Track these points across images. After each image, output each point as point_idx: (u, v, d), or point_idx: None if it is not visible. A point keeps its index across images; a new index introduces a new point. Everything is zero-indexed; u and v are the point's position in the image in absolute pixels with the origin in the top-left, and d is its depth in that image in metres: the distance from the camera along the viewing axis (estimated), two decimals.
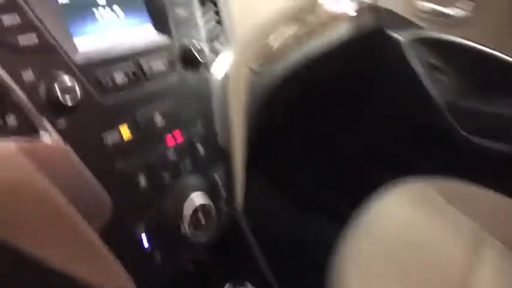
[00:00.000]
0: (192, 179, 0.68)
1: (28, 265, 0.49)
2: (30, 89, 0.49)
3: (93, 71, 0.55)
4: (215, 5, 0.79)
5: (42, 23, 0.50)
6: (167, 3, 0.66)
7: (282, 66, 1.06)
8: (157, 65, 0.62)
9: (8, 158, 0.47)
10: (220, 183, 0.73)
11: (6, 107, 0.47)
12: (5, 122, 0.47)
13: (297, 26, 1.09)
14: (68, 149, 0.51)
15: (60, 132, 0.51)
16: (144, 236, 0.61)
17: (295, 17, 1.08)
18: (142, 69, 0.60)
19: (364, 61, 1.38)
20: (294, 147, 1.60)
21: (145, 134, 0.60)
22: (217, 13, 0.79)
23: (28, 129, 0.49)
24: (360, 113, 1.50)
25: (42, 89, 0.49)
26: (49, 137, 0.50)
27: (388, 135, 1.46)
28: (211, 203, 0.68)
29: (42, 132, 0.50)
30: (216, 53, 0.76)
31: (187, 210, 0.64)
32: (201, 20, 0.72)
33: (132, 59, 0.59)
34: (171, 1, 0.67)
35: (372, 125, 1.49)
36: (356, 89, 1.44)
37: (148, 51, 0.62)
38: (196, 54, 0.66)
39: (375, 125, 1.49)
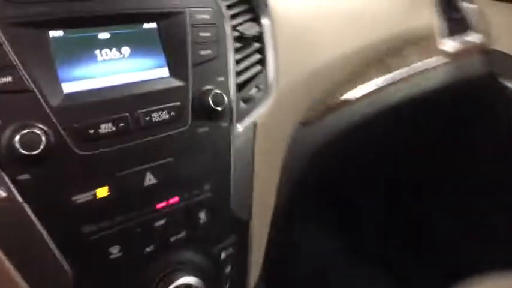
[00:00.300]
0: (185, 256, 0.56)
1: None
2: None
3: (73, 117, 0.47)
4: (258, 40, 0.68)
5: (20, 62, 0.44)
6: (190, 41, 0.57)
7: (351, 117, 0.88)
8: (160, 114, 0.53)
9: None
10: (227, 266, 0.60)
11: None
12: None
13: (375, 70, 0.90)
14: (24, 206, 0.44)
15: (19, 185, 0.44)
16: None
17: (375, 58, 0.90)
18: (136, 119, 0.51)
19: (468, 114, 1.11)
20: (369, 199, 1.38)
21: (126, 194, 0.50)
22: (260, 51, 0.68)
23: None
24: (456, 175, 1.22)
25: (5, 135, 0.43)
26: (5, 191, 0.44)
27: (491, 205, 1.16)
28: None
29: (1, 186, 0.44)
30: (247, 100, 0.64)
31: None
32: (232, 60, 0.61)
33: (127, 106, 0.50)
34: (195, 38, 0.57)
35: (472, 191, 1.20)
36: (455, 147, 1.17)
37: (152, 98, 0.53)
38: (212, 102, 0.55)
39: (476, 192, 1.19)
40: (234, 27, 0.64)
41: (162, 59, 0.55)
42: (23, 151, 0.42)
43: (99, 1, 0.50)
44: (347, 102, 0.85)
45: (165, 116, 0.53)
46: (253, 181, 0.63)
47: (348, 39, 0.85)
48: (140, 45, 0.54)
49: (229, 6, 0.64)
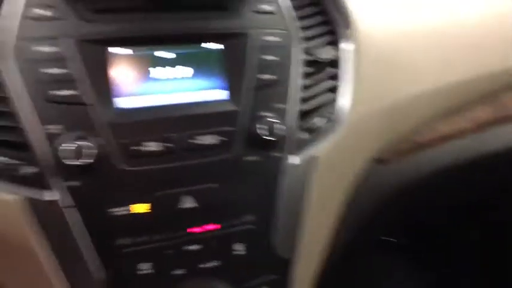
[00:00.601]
0: (216, 286, 0.54)
1: None
2: (51, 142, 0.47)
3: (122, 132, 0.49)
4: (334, 65, 0.62)
5: (80, 76, 0.47)
6: (252, 63, 0.54)
7: (441, 161, 0.75)
8: (208, 138, 0.51)
9: (10, 211, 0.46)
10: None
11: (26, 158, 0.47)
12: (21, 171, 0.47)
13: (481, 107, 0.75)
14: (71, 209, 0.47)
15: (69, 190, 0.47)
16: None
17: (485, 92, 0.76)
18: (183, 140, 0.50)
19: None
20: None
21: (163, 214, 0.50)
22: (334, 77, 0.62)
23: (40, 182, 0.47)
24: None
25: (62, 144, 0.46)
26: (55, 195, 0.47)
27: None
28: None
29: (51, 189, 0.48)
30: (311, 130, 0.58)
31: None
32: (299, 85, 0.57)
33: (176, 127, 0.50)
34: (259, 61, 0.54)
35: None
36: None
37: (202, 120, 0.52)
38: (265, 130, 0.52)
39: None
40: (307, 50, 0.60)
41: (221, 81, 0.54)
42: (69, 161, 0.45)
43: (161, 21, 0.51)
44: (438, 142, 0.73)
45: (212, 140, 0.52)
46: (301, 219, 0.57)
47: (454, 68, 0.72)
48: (200, 66, 0.53)
49: (305, 28, 0.60)
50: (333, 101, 0.61)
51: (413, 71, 0.68)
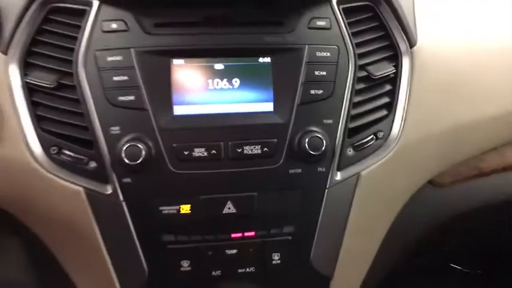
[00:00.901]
0: None
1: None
2: (113, 142, 0.52)
3: (175, 137, 0.52)
4: (391, 82, 0.60)
5: (143, 84, 0.52)
6: (301, 78, 0.55)
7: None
8: (252, 148, 0.53)
9: (74, 199, 0.52)
10: None
11: (91, 155, 0.53)
12: (86, 166, 0.53)
13: None
14: (123, 203, 0.52)
15: (122, 186, 0.52)
16: None
17: None
18: (228, 148, 0.53)
19: None
20: None
21: (205, 217, 0.53)
22: (387, 94, 0.60)
23: (101, 176, 0.53)
24: None
25: (119, 143, 0.52)
26: (112, 189, 0.53)
27: None
28: None
29: (109, 184, 0.53)
30: (359, 147, 0.58)
31: None
32: (349, 102, 0.57)
33: (223, 135, 0.53)
34: (308, 76, 0.55)
35: None
36: None
37: (249, 131, 0.54)
38: (309, 145, 0.53)
39: None
40: (361, 67, 0.59)
41: (269, 94, 0.56)
42: (127, 159, 0.50)
43: (216, 35, 0.54)
44: (504, 170, 0.67)
45: (257, 150, 0.53)
46: (342, 237, 0.57)
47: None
48: (251, 78, 0.55)
49: (360, 44, 0.59)
50: (384, 119, 0.59)
51: (477, 94, 0.64)
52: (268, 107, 0.55)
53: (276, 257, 0.55)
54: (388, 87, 0.60)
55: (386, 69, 0.60)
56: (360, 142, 0.58)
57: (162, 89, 0.54)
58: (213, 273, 0.55)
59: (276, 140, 0.54)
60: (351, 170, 0.57)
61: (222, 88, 0.55)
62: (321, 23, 0.57)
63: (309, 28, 0.56)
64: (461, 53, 0.64)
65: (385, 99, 0.60)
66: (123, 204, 0.52)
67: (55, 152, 0.53)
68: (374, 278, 0.63)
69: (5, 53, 0.54)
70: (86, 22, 0.54)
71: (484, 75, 0.64)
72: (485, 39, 0.67)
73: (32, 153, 0.52)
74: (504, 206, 0.69)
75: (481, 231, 0.86)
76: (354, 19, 0.59)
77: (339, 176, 0.56)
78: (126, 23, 0.54)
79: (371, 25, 0.61)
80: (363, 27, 0.60)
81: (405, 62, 0.61)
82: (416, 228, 0.67)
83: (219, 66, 0.55)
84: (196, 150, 0.53)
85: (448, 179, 0.66)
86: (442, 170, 0.64)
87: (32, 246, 0.57)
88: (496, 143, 0.67)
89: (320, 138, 0.53)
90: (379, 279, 0.67)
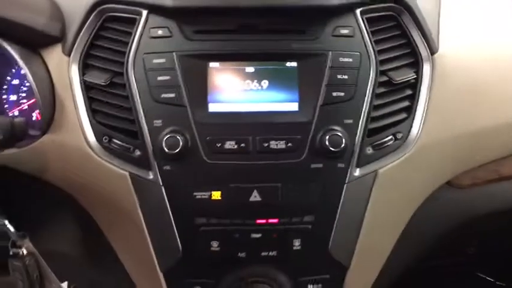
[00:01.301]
0: (272, 273, 0.61)
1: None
2: (155, 133, 0.59)
3: (209, 131, 0.59)
4: (412, 87, 0.64)
5: (183, 83, 0.59)
6: (324, 81, 0.60)
7: None
8: (278, 143, 0.59)
9: (121, 182, 0.60)
10: None
11: (136, 144, 0.61)
12: (132, 154, 0.61)
13: None
14: (162, 188, 0.59)
15: (162, 172, 0.59)
16: None
17: None
18: (256, 143, 0.59)
19: None
20: None
21: (234, 203, 0.59)
22: (408, 99, 0.64)
23: (145, 163, 0.60)
24: None
25: (161, 135, 0.59)
26: (153, 175, 0.60)
27: None
28: None
29: (151, 170, 0.60)
30: (378, 146, 0.62)
31: None
32: (369, 104, 0.61)
33: (251, 131, 0.59)
34: (331, 80, 0.60)
35: None
36: None
37: (275, 127, 0.60)
38: (329, 142, 0.58)
39: None
40: (383, 72, 0.63)
41: (294, 95, 0.61)
42: (166, 149, 0.57)
43: (249, 41, 0.61)
44: None
45: (282, 145, 0.59)
46: (360, 228, 0.61)
47: None
48: (278, 80, 0.61)
49: (381, 51, 0.63)
50: (403, 122, 0.63)
51: (496, 101, 0.66)
52: (294, 106, 0.61)
53: (296, 243, 0.61)
54: (408, 91, 0.64)
55: (407, 75, 0.63)
56: (379, 142, 0.62)
57: (199, 89, 0.60)
58: (239, 254, 0.61)
59: (299, 136, 0.59)
60: (370, 168, 0.61)
61: (252, 89, 0.61)
62: (344, 31, 0.62)
63: (333, 36, 0.61)
64: (481, 61, 0.67)
65: (406, 103, 0.64)
66: (162, 188, 0.59)
67: (106, 140, 0.61)
68: (390, 273, 0.67)
69: (68, 55, 0.63)
70: (136, 29, 0.62)
71: (504, 84, 0.67)
72: (506, 48, 0.69)
73: (87, 141, 0.61)
74: None
75: (500, 235, 0.86)
76: (377, 28, 0.64)
77: (357, 172, 0.61)
78: (170, 30, 0.61)
79: (393, 33, 0.65)
80: (385, 35, 0.64)
81: (426, 69, 0.64)
82: (434, 228, 0.69)
83: (250, 69, 0.61)
84: (227, 143, 0.59)
85: (467, 181, 0.68)
86: (459, 172, 0.67)
87: (83, 222, 0.65)
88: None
89: (340, 136, 0.58)
90: (395, 276, 0.70)
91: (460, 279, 1.16)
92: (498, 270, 1.13)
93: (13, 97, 0.75)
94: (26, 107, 0.75)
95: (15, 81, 0.75)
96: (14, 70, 0.75)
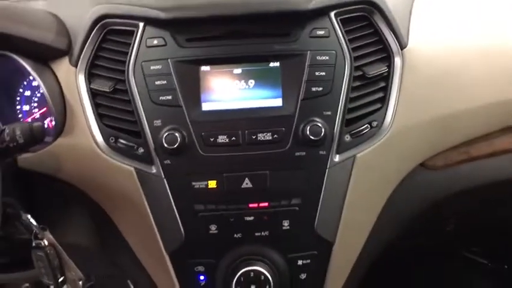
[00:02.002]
0: (265, 252, 0.68)
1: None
2: (156, 132, 0.67)
3: (203, 127, 0.66)
4: (384, 80, 0.71)
5: (178, 86, 0.66)
6: (304, 78, 0.67)
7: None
8: (264, 135, 0.66)
9: (128, 177, 0.68)
10: (302, 272, 0.69)
11: (140, 142, 0.68)
12: (136, 151, 0.68)
13: None
14: (164, 180, 0.67)
15: (163, 166, 0.67)
16: (201, 277, 0.69)
17: None
18: (245, 136, 0.66)
19: None
20: None
21: (228, 190, 0.67)
22: (380, 91, 0.71)
23: (147, 159, 0.68)
24: None
25: (161, 132, 0.66)
26: (155, 169, 0.67)
27: None
28: (272, 285, 0.66)
29: (154, 165, 0.68)
30: (355, 134, 0.69)
31: (238, 280, 0.66)
32: (345, 97, 0.68)
33: (241, 125, 0.66)
34: (310, 76, 0.67)
35: None
36: None
37: (262, 121, 0.67)
38: (310, 132, 0.65)
39: None
40: (358, 67, 0.70)
41: (278, 92, 0.68)
42: (166, 145, 0.64)
43: (235, 46, 0.68)
44: (492, 155, 0.75)
45: (268, 137, 0.66)
46: (342, 208, 0.68)
47: (502, 87, 0.74)
48: (263, 79, 0.69)
49: (355, 48, 0.70)
50: (378, 111, 0.70)
51: (463, 88, 0.73)
52: (278, 102, 0.68)
53: (285, 223, 0.68)
54: (382, 84, 0.71)
55: (379, 69, 0.70)
56: (356, 130, 0.69)
57: (193, 90, 0.68)
58: (235, 235, 0.68)
59: (283, 128, 0.66)
60: (348, 153, 0.68)
61: (240, 88, 0.69)
62: (320, 32, 0.69)
63: (311, 37, 0.68)
64: (447, 54, 0.74)
65: (379, 94, 0.71)
66: (164, 180, 0.67)
67: (113, 141, 0.69)
68: (372, 248, 0.74)
69: (75, 66, 0.70)
70: (134, 40, 0.69)
71: (468, 72, 0.73)
72: (470, 40, 0.76)
73: (95, 142, 0.68)
74: (494, 187, 0.77)
75: (473, 212, 0.93)
76: (350, 27, 0.70)
77: (337, 158, 0.68)
78: (164, 39, 0.68)
79: (366, 32, 0.71)
80: (358, 34, 0.71)
81: (397, 62, 0.71)
82: (411, 206, 0.76)
83: (237, 70, 0.69)
84: (219, 137, 0.66)
85: (440, 162, 0.75)
86: (432, 154, 0.74)
87: (95, 214, 0.73)
88: (483, 131, 0.76)
89: (320, 126, 0.65)
90: (377, 251, 0.76)
91: (445, 259, 1.23)
92: (480, 248, 1.20)
93: (26, 107, 0.83)
94: (38, 115, 0.82)
95: (27, 93, 0.83)
96: (25, 82, 0.83)
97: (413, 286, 1.24)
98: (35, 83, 0.83)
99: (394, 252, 0.85)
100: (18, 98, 0.83)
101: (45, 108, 0.82)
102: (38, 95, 0.83)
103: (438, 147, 0.74)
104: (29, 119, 0.82)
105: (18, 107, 0.82)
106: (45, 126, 0.80)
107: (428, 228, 0.95)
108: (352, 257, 0.72)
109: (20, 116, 0.82)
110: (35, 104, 0.83)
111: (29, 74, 0.79)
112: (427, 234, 0.99)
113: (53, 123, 0.76)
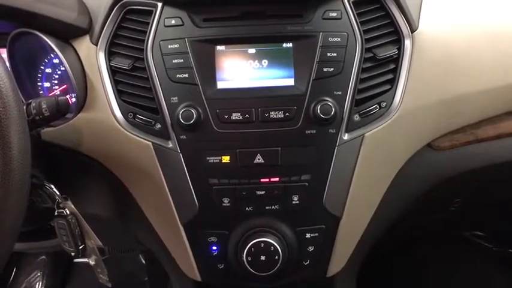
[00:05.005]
0: (276, 225, 0.71)
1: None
2: (172, 108, 0.70)
3: (218, 105, 0.69)
4: (394, 61, 0.73)
5: (194, 65, 0.69)
6: (316, 59, 0.69)
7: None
8: (277, 113, 0.69)
9: (145, 151, 0.71)
10: (310, 245, 0.72)
11: (157, 118, 0.71)
12: (154, 126, 0.71)
13: None
14: (180, 155, 0.70)
15: (179, 141, 0.70)
16: (214, 247, 0.73)
17: None
18: (258, 113, 0.69)
19: None
20: None
21: (241, 165, 0.70)
22: (390, 72, 0.73)
23: (164, 134, 0.71)
24: None
25: (177, 109, 0.69)
26: (172, 144, 0.71)
27: None
28: (280, 256, 0.69)
29: (170, 140, 0.71)
30: (364, 114, 0.71)
31: (249, 250, 0.69)
32: (356, 77, 0.70)
33: (254, 103, 0.69)
34: (321, 57, 0.69)
35: None
36: None
37: (274, 100, 0.69)
38: (321, 111, 0.67)
39: None
40: (368, 49, 0.72)
41: (290, 71, 0.71)
42: (182, 121, 0.67)
43: (250, 26, 0.70)
44: (498, 137, 0.77)
45: (280, 115, 0.69)
46: (350, 185, 0.71)
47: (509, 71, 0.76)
48: (276, 59, 0.71)
49: (366, 30, 0.72)
50: (387, 92, 0.72)
51: (470, 71, 0.74)
52: (290, 82, 0.71)
53: (295, 198, 0.71)
54: (391, 65, 0.73)
55: (390, 51, 0.72)
56: (365, 110, 0.71)
57: (208, 69, 0.70)
58: (247, 208, 0.71)
59: (295, 107, 0.69)
60: (357, 132, 0.70)
61: (254, 68, 0.71)
62: (333, 14, 0.71)
63: (323, 19, 0.70)
64: (457, 36, 0.75)
65: (389, 76, 0.73)
66: (180, 155, 0.70)
67: (131, 116, 0.72)
68: (377, 225, 0.77)
69: (96, 44, 0.73)
70: (153, 19, 0.72)
71: (476, 56, 0.75)
72: (479, 24, 0.77)
73: (115, 117, 0.71)
74: (499, 167, 0.80)
75: (479, 193, 0.95)
76: (362, 10, 0.72)
77: (346, 137, 0.70)
78: (181, 19, 0.71)
79: (377, 14, 0.73)
80: (370, 17, 0.73)
81: (407, 44, 0.73)
82: (415, 185, 0.78)
83: (251, 50, 0.71)
84: (234, 114, 0.69)
85: (447, 143, 0.77)
86: (439, 135, 0.76)
87: (114, 186, 0.76)
88: (489, 113, 0.77)
89: (330, 106, 0.67)
90: (383, 228, 0.79)
91: (449, 242, 1.26)
92: (484, 231, 1.22)
93: (47, 84, 0.86)
94: (58, 92, 0.86)
95: (48, 70, 0.86)
96: (46, 60, 0.86)
97: (414, 269, 1.28)
98: (55, 61, 0.86)
99: (396, 234, 0.88)
100: (39, 75, 0.86)
101: (65, 85, 0.85)
102: (59, 72, 0.86)
103: (445, 129, 0.76)
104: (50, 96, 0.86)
105: (39, 83, 0.86)
106: None
107: (432, 208, 0.97)
108: (359, 232, 0.75)
109: (41, 92, 0.85)
110: (56, 81, 0.86)
111: (52, 51, 0.83)
112: (431, 213, 1.02)
113: (73, 99, 0.79)
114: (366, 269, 0.83)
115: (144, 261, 1.37)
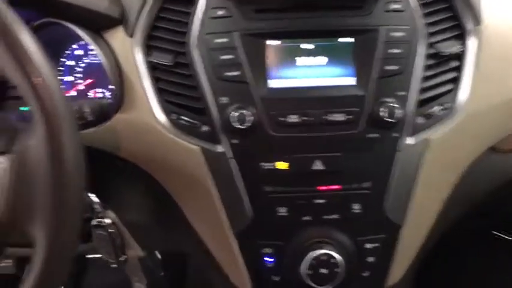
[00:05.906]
0: (335, 235, 0.66)
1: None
2: (222, 110, 0.63)
3: (271, 106, 0.63)
4: (458, 59, 0.68)
5: (246, 61, 0.63)
6: (379, 56, 0.64)
7: None
8: (338, 116, 0.63)
9: (192, 156, 0.65)
10: (370, 256, 0.67)
11: (203, 120, 0.64)
12: (200, 129, 0.65)
13: None
14: (232, 160, 0.64)
15: (231, 146, 0.64)
16: (269, 259, 0.68)
17: None
18: (318, 116, 0.63)
19: None
20: None
21: (298, 172, 0.64)
22: (455, 70, 0.68)
23: (213, 138, 0.65)
24: None
25: (228, 111, 0.62)
26: (222, 148, 0.64)
27: None
28: (343, 269, 0.65)
29: (220, 144, 0.65)
30: (428, 116, 0.66)
31: (306, 264, 0.64)
32: (420, 76, 0.64)
33: (313, 105, 0.63)
34: (384, 54, 0.63)
35: None
36: None
37: (335, 101, 0.64)
38: (385, 113, 0.62)
39: None
40: (431, 45, 0.66)
41: (351, 69, 0.65)
42: (235, 124, 0.61)
43: (305, 19, 0.64)
44: None
45: (341, 118, 0.63)
46: (413, 191, 0.66)
47: None
48: (334, 56, 0.65)
49: (430, 24, 0.66)
50: (451, 92, 0.67)
51: None
52: (351, 81, 0.65)
53: (356, 207, 0.66)
54: (455, 63, 0.67)
55: (454, 47, 0.67)
56: (429, 111, 0.66)
57: (259, 66, 0.64)
58: (304, 218, 0.66)
59: (357, 109, 0.63)
60: (421, 136, 0.65)
61: (309, 65, 0.65)
62: (396, 6, 0.65)
63: (386, 11, 0.64)
64: None
65: (453, 74, 0.67)
66: (233, 160, 0.64)
67: (174, 118, 0.65)
68: (438, 231, 0.72)
69: (131, 36, 0.66)
70: (196, 10, 0.64)
71: None
72: None
73: (156, 118, 0.64)
74: None
75: None
76: (425, 1, 0.67)
77: (410, 141, 0.65)
78: (229, 10, 0.64)
79: (440, 6, 0.67)
80: (433, 9, 0.67)
81: (472, 40, 0.67)
82: (476, 189, 0.74)
83: (306, 46, 0.65)
84: (290, 117, 0.63)
85: (509, 145, 0.73)
86: (502, 137, 0.72)
87: (156, 193, 0.70)
88: None
89: (394, 107, 0.62)
90: (442, 234, 0.76)
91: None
92: None
93: (69, 78, 0.78)
94: (83, 87, 0.78)
95: (70, 62, 0.78)
96: (68, 52, 0.78)
97: (467, 270, 1.25)
98: (77, 52, 0.79)
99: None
100: (60, 68, 0.78)
101: (90, 80, 0.78)
102: (82, 65, 0.78)
103: (508, 130, 0.72)
104: (73, 91, 0.78)
105: (60, 78, 0.78)
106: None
107: (492, 211, 0.94)
108: (419, 240, 0.71)
109: (63, 87, 0.77)
110: (79, 75, 0.78)
111: (78, 42, 0.75)
112: (485, 217, 0.98)
113: (108, 99, 0.72)
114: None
115: (160, 257, 1.32)
